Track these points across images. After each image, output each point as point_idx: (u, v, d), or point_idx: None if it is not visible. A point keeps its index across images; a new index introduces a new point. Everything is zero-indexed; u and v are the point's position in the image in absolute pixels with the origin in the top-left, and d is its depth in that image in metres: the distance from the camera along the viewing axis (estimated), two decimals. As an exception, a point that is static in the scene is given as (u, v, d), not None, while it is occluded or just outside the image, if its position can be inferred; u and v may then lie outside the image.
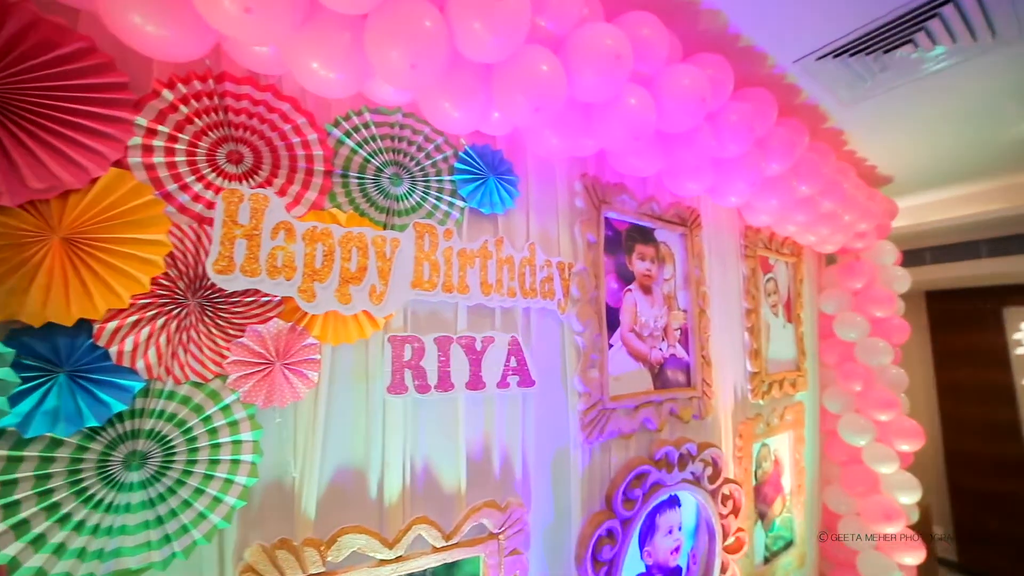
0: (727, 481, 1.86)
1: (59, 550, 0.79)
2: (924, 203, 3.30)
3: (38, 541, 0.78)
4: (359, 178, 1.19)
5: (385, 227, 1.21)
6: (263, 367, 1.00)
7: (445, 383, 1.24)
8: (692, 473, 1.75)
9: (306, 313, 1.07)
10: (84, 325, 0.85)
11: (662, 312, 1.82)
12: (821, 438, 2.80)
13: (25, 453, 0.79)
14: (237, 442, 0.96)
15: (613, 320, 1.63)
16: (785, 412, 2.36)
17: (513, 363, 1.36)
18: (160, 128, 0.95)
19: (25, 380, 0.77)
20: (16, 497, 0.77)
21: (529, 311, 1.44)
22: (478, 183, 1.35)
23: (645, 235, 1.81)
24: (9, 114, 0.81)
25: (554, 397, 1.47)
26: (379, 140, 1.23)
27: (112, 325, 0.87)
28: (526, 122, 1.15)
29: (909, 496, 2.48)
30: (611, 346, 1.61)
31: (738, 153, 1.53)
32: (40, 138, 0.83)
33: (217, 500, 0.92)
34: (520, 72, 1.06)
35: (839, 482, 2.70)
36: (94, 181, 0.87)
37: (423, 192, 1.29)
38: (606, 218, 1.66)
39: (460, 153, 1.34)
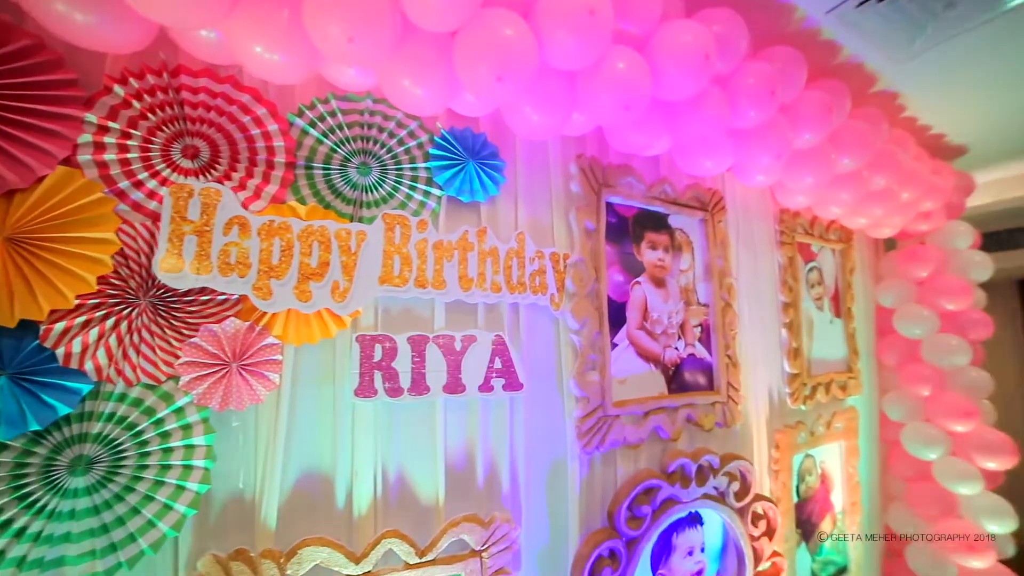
0: (759, 498, 1.64)
1: None
2: (1012, 176, 2.80)
3: None
4: (324, 169, 1.13)
5: (352, 219, 1.14)
6: (218, 368, 0.95)
7: (420, 386, 1.14)
8: (715, 488, 1.54)
9: (266, 312, 1.01)
10: (32, 327, 0.83)
11: (678, 307, 1.63)
12: (881, 449, 2.44)
13: None
14: (190, 446, 0.92)
15: (618, 316, 1.47)
16: (834, 419, 2.06)
17: (498, 364, 1.24)
18: (111, 124, 0.93)
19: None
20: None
21: (517, 307, 1.32)
22: (456, 169, 1.24)
23: (657, 221, 1.63)
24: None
25: (548, 402, 1.34)
26: (347, 128, 1.16)
27: (60, 326, 0.84)
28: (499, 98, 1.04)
29: (1000, 524, 2.08)
30: (615, 345, 1.45)
31: (759, 122, 1.32)
32: None
33: (167, 507, 0.88)
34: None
35: (905, 500, 2.34)
36: (40, 180, 0.85)
37: (395, 181, 1.20)
38: (608, 203, 1.50)
39: (436, 138, 1.24)
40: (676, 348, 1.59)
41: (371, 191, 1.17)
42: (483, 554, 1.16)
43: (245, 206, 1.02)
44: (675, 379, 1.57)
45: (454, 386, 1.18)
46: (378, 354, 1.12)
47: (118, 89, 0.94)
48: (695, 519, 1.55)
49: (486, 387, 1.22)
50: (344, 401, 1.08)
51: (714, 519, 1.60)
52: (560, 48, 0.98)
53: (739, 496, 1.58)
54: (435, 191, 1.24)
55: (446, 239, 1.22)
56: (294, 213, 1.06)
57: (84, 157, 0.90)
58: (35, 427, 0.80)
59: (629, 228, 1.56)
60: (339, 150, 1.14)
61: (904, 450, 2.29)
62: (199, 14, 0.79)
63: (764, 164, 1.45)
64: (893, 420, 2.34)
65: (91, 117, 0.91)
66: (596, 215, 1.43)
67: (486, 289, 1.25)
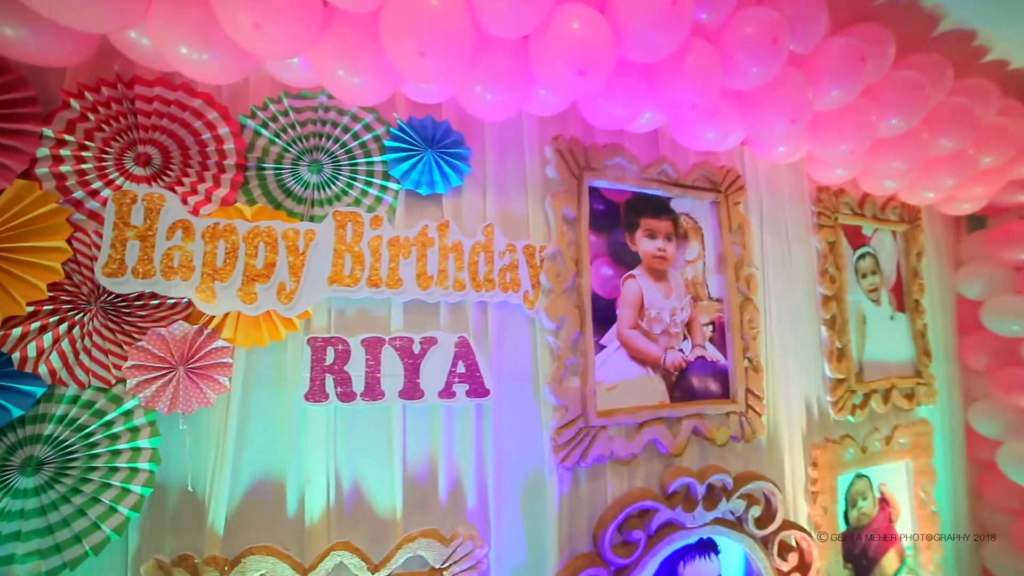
0: (788, 526, 1.39)
1: None
2: None
3: None
4: (276, 169, 1.11)
5: (303, 219, 1.10)
6: (165, 372, 0.96)
7: (374, 391, 1.08)
8: (731, 513, 1.33)
9: (212, 315, 1.00)
10: None
11: (684, 303, 1.43)
12: (969, 472, 2.01)
13: None
14: (136, 449, 0.93)
15: (606, 315, 1.32)
16: (896, 433, 1.72)
17: (461, 368, 1.15)
18: (68, 138, 0.96)
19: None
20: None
21: (485, 306, 1.22)
22: (414, 161, 1.17)
23: (656, 206, 1.44)
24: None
25: (522, 410, 1.22)
26: (299, 127, 1.13)
27: (17, 331, 0.88)
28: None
29: None
30: (602, 347, 1.29)
31: (764, 79, 1.10)
32: None
33: (112, 509, 0.89)
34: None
35: (1009, 539, 1.90)
36: None
37: (349, 177, 1.16)
38: (593, 188, 1.35)
39: (392, 129, 1.18)
40: (681, 350, 1.40)
41: (323, 189, 1.13)
42: (444, 573, 1.07)
43: (196, 209, 1.03)
44: (679, 385, 1.38)
45: (411, 391, 1.11)
46: (330, 357, 1.07)
47: (74, 103, 0.98)
48: (708, 547, 1.34)
49: (447, 393, 1.13)
50: (295, 405, 1.05)
51: (733, 548, 1.38)
52: (640, 40, 0.94)
53: (761, 523, 1.35)
54: (392, 185, 1.18)
55: (403, 235, 1.15)
56: (240, 215, 1.04)
57: (42, 170, 0.94)
58: (-9, 428, 0.84)
59: (620, 215, 1.39)
60: (291, 149, 1.12)
61: (1002, 474, 1.86)
62: (450, 69, 0.89)
63: (781, 131, 1.21)
64: (985, 436, 1.91)
65: (48, 132, 0.95)
66: (577, 202, 1.29)
67: (447, 287, 1.16)
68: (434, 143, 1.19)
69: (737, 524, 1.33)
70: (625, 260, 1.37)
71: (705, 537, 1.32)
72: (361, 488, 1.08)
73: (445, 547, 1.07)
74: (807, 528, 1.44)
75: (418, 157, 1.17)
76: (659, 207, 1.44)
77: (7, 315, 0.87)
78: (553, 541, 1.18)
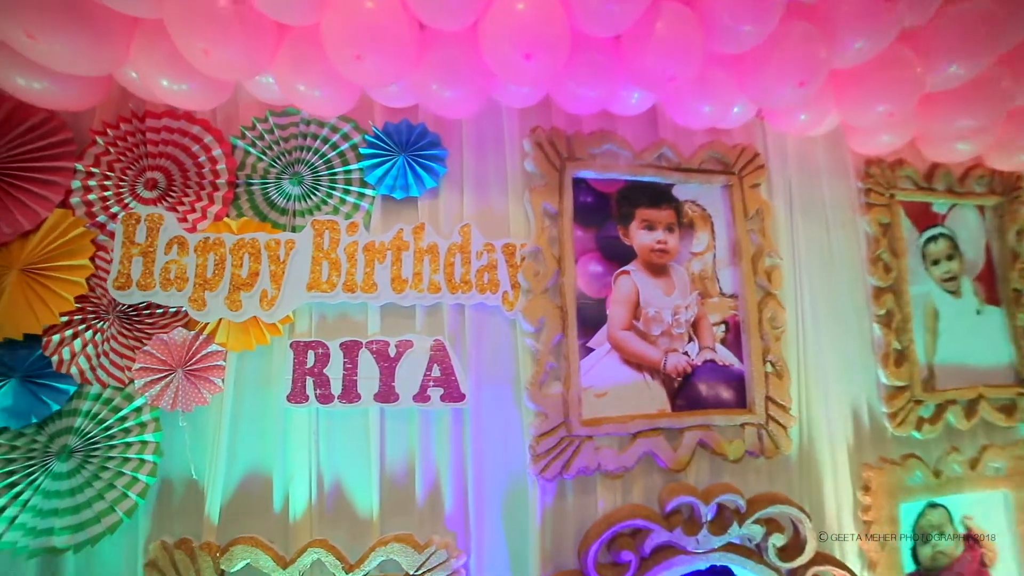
0: (824, 560, 1.18)
1: (12, 522, 0.97)
2: None
3: (1, 512, 0.97)
4: (262, 183, 1.18)
5: (286, 229, 1.17)
6: (167, 373, 1.06)
7: (351, 394, 1.11)
8: (747, 540, 1.16)
9: (205, 321, 1.10)
10: (36, 339, 1.03)
11: (688, 300, 1.28)
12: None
13: (1, 441, 1.00)
14: (144, 442, 1.05)
15: (595, 315, 1.23)
16: (986, 455, 1.39)
17: (436, 372, 1.14)
18: (94, 170, 1.12)
19: (-12, 384, 0.98)
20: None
21: (462, 308, 1.19)
22: (388, 166, 1.19)
23: (654, 195, 1.31)
24: (-1, 179, 1.05)
25: (503, 417, 1.17)
26: (283, 142, 1.20)
27: (56, 338, 1.04)
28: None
29: None
30: (589, 351, 1.20)
31: (761, 37, 0.94)
32: (11, 193, 1.06)
33: (124, 495, 1.01)
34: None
35: None
36: (42, 221, 1.07)
37: (328, 187, 1.20)
38: (579, 180, 1.26)
39: (367, 136, 1.20)
40: (685, 353, 1.26)
41: (305, 200, 1.19)
42: (418, 579, 1.06)
43: (194, 226, 1.13)
44: (682, 392, 1.24)
45: (386, 395, 1.12)
46: (311, 360, 1.12)
47: (99, 140, 1.13)
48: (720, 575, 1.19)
49: (422, 397, 1.12)
50: (280, 406, 1.11)
51: (756, 578, 1.21)
52: (596, 11, 0.88)
53: (787, 554, 1.16)
54: (369, 192, 1.21)
55: (378, 240, 1.17)
56: (228, 228, 1.13)
57: (75, 199, 1.10)
58: (35, 420, 1.00)
59: (612, 207, 1.29)
60: (276, 164, 1.19)
61: None
62: (550, 72, 0.94)
63: (791, 96, 1.03)
64: None
65: (80, 166, 1.11)
66: (558, 195, 1.22)
67: (422, 290, 1.16)
68: (407, 146, 1.20)
69: (755, 553, 1.16)
70: (617, 255, 1.27)
71: (718, 565, 1.17)
72: (342, 488, 1.11)
73: (419, 554, 1.06)
74: (849, 565, 1.21)
75: (392, 162, 1.19)
76: (658, 195, 1.31)
77: (46, 323, 1.03)
78: (536, 555, 1.12)
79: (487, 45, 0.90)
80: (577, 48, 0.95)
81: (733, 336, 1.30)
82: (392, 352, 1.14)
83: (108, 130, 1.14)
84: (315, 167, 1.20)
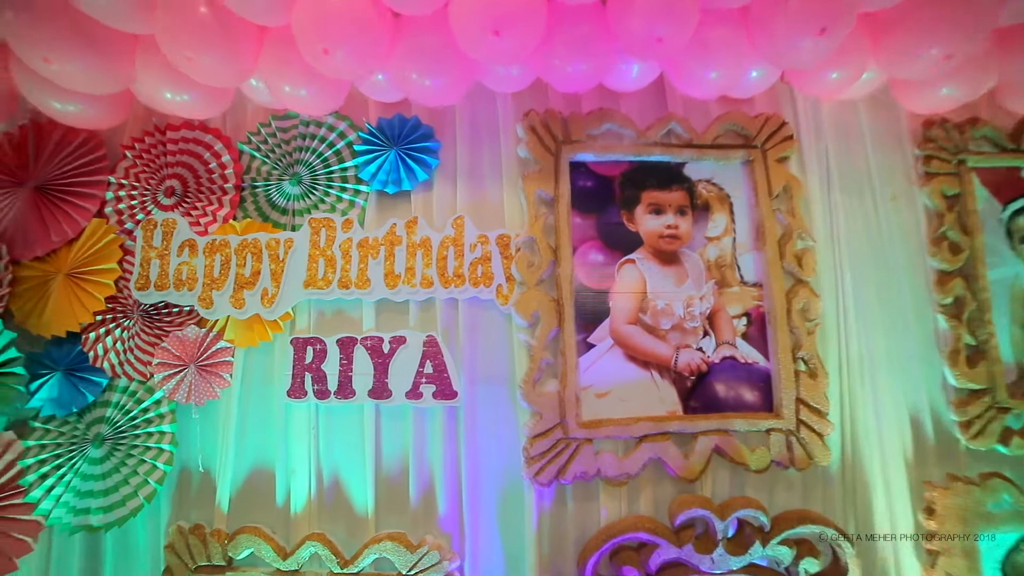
0: (875, 592, 1.01)
1: (58, 501, 1.08)
2: None
3: (51, 491, 1.08)
4: (264, 186, 1.23)
5: (285, 228, 1.20)
6: (181, 368, 1.13)
7: (346, 389, 1.12)
8: (776, 563, 1.02)
9: (214, 319, 1.16)
10: (75, 336, 1.14)
11: (704, 291, 1.16)
12: None
13: (50, 427, 1.12)
14: (162, 432, 1.12)
15: (596, 309, 1.14)
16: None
17: (428, 369, 1.11)
18: (123, 181, 1.22)
19: (35, 377, 1.10)
20: (43, 456, 1.09)
21: (455, 303, 1.16)
22: (380, 161, 1.18)
23: (663, 175, 1.20)
24: (48, 193, 1.18)
25: (498, 415, 1.12)
26: (285, 144, 1.24)
27: (92, 335, 1.15)
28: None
29: None
30: (590, 346, 1.12)
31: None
32: (59, 207, 1.18)
33: (144, 482, 1.09)
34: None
35: None
36: (83, 230, 1.18)
37: (326, 186, 1.22)
38: (578, 163, 1.18)
39: (361, 133, 1.21)
40: (700, 349, 1.13)
41: (303, 199, 1.22)
42: (411, 579, 1.04)
43: (206, 229, 1.20)
44: (696, 393, 1.11)
45: (380, 391, 1.11)
46: (309, 356, 1.14)
47: (128, 154, 1.23)
48: (748, 599, 1.05)
49: (414, 394, 1.10)
50: (282, 402, 1.14)
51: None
52: None
53: (826, 582, 1.00)
54: (363, 188, 1.21)
55: (372, 236, 1.17)
56: (233, 230, 1.18)
57: (108, 209, 1.21)
58: (74, 409, 1.11)
59: (615, 190, 1.19)
60: (277, 166, 1.23)
61: None
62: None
63: (806, 55, 0.88)
64: None
65: (112, 179, 1.21)
66: (554, 181, 1.15)
67: (415, 285, 1.14)
68: (399, 140, 1.19)
69: (786, 578, 1.02)
70: (621, 243, 1.17)
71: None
72: (339, 483, 1.12)
73: (411, 553, 1.04)
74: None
75: (383, 157, 1.18)
76: (668, 175, 1.20)
77: (83, 322, 1.13)
78: (532, 561, 1.05)
79: (457, 25, 0.85)
80: (557, 20, 0.89)
81: (757, 330, 1.15)
82: (386, 348, 1.13)
83: (135, 144, 1.24)
84: (313, 167, 1.23)
